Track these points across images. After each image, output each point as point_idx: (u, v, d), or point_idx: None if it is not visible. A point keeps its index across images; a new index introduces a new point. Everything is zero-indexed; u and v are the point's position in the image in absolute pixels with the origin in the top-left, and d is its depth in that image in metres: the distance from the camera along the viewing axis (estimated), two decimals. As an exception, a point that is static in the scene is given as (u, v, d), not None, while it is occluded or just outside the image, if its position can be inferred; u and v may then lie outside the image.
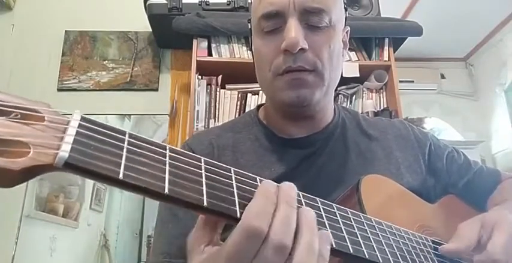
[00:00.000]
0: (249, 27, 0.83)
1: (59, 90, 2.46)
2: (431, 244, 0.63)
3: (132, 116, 2.56)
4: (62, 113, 0.35)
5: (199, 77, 2.19)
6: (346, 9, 0.81)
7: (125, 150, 0.35)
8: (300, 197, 0.45)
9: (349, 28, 0.84)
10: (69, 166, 0.31)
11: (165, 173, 0.36)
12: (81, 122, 0.34)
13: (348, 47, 0.85)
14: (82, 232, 2.36)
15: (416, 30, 2.29)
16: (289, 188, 0.43)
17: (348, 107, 2.26)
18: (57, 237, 2.25)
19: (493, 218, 0.65)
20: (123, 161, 0.34)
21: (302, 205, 0.44)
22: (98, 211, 2.43)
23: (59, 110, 0.35)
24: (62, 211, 2.29)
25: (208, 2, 2.28)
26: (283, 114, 0.81)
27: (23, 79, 2.45)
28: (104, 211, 2.45)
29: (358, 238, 0.47)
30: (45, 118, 0.32)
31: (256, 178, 0.44)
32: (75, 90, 2.47)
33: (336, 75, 0.78)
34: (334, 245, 0.43)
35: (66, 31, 2.58)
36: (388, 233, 0.54)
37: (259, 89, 2.19)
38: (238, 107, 2.20)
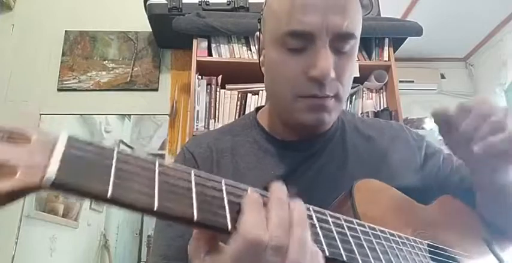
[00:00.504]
0: (259, 27, 0.80)
1: (59, 90, 2.46)
2: (426, 247, 0.63)
3: (132, 116, 2.56)
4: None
5: (199, 77, 2.19)
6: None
7: (113, 168, 0.34)
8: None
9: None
10: (56, 186, 0.31)
11: (154, 190, 0.36)
12: (68, 142, 0.34)
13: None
14: (82, 232, 2.37)
15: (416, 30, 2.29)
16: (279, 189, 0.43)
17: (348, 107, 2.27)
18: (57, 237, 2.25)
19: None
20: (111, 179, 0.33)
21: None
22: (98, 211, 2.43)
23: (46, 131, 0.34)
24: (62, 211, 2.29)
25: (208, 2, 2.28)
26: (289, 126, 0.80)
27: (23, 79, 2.45)
28: (104, 211, 2.45)
29: (352, 245, 0.47)
30: (32, 139, 0.32)
31: (247, 189, 0.43)
32: (75, 90, 2.47)
33: (349, 91, 0.77)
34: (327, 254, 0.43)
35: (66, 31, 2.58)
36: (382, 238, 0.54)
37: (259, 89, 2.20)
38: (238, 107, 2.20)
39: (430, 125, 3.22)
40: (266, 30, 0.76)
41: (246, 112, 2.15)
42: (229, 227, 0.38)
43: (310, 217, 0.45)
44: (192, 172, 0.40)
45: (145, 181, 0.36)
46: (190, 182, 0.39)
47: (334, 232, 0.47)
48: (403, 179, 0.79)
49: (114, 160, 0.35)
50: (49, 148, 0.33)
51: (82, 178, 0.32)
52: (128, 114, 2.54)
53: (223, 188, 0.41)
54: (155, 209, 0.34)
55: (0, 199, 0.29)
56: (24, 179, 0.30)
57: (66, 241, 2.31)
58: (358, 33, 0.71)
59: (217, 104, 2.19)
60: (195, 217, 0.36)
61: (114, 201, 0.33)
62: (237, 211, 0.40)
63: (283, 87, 0.72)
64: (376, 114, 2.21)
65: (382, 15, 2.35)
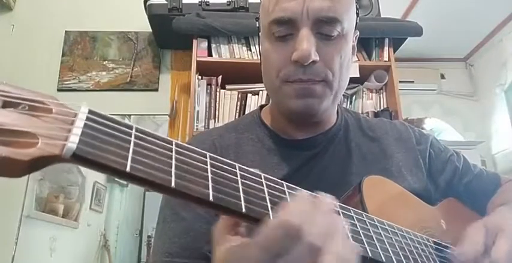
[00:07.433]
0: (257, 25, 0.82)
1: (59, 90, 2.46)
2: (432, 244, 0.63)
3: (132, 116, 2.55)
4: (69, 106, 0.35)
5: (199, 77, 2.19)
6: (357, 15, 0.78)
7: (131, 143, 0.35)
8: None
9: (358, 32, 0.82)
10: (77, 157, 0.31)
11: (171, 167, 0.36)
12: (88, 115, 0.34)
13: (356, 51, 0.82)
14: (82, 232, 2.36)
15: (416, 30, 2.29)
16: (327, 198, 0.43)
17: (347, 107, 2.27)
18: (57, 237, 2.25)
19: (496, 222, 0.65)
20: (130, 154, 0.34)
21: None
22: (98, 211, 2.43)
23: (66, 103, 0.35)
24: (62, 211, 2.28)
25: (208, 2, 2.28)
26: (287, 118, 0.80)
27: (23, 79, 2.44)
28: (103, 211, 2.45)
29: (361, 236, 0.47)
30: (53, 110, 0.32)
31: (260, 175, 0.44)
32: (75, 90, 2.47)
33: (345, 83, 0.77)
34: None
35: (66, 31, 2.58)
36: (390, 232, 0.54)
37: (259, 89, 2.20)
38: (238, 108, 2.20)
39: (430, 125, 3.22)
40: (260, 25, 0.79)
41: (246, 112, 2.15)
42: (244, 209, 0.39)
43: None
44: (208, 154, 0.41)
45: (163, 158, 0.36)
46: (206, 163, 0.40)
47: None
48: (406, 180, 0.79)
49: (133, 136, 0.36)
50: (70, 120, 0.33)
51: (102, 150, 0.32)
52: (128, 115, 2.53)
53: (238, 171, 0.42)
54: (173, 186, 0.35)
55: (22, 167, 0.29)
56: (45, 148, 0.30)
57: (66, 241, 2.30)
58: (344, 18, 0.71)
59: (217, 104, 2.19)
60: (211, 197, 0.37)
61: (132, 176, 0.33)
62: (250, 194, 0.40)
63: (272, 74, 0.74)
64: (376, 114, 2.21)
65: (382, 16, 2.35)
